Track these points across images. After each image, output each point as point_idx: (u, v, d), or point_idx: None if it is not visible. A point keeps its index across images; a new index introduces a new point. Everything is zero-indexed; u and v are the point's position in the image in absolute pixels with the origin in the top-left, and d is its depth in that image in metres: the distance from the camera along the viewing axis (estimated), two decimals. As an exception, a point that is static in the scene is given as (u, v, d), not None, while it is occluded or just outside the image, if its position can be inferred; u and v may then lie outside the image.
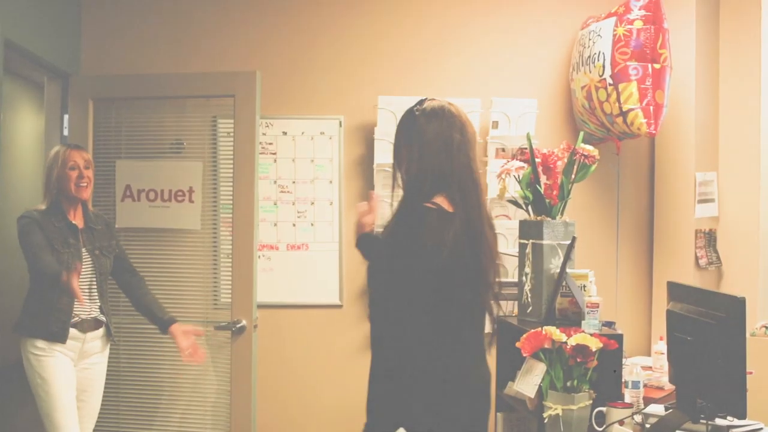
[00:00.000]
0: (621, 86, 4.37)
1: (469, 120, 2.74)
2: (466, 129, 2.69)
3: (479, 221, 2.65)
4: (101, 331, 4.00)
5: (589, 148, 3.94)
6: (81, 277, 3.87)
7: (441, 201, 2.61)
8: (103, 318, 3.99)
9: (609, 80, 4.42)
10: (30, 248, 3.76)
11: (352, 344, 4.94)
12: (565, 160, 3.97)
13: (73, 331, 3.85)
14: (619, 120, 4.41)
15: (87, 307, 3.92)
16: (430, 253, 2.53)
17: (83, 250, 3.92)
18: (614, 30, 4.43)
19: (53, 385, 3.77)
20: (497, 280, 2.74)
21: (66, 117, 4.68)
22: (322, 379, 4.92)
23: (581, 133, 4.17)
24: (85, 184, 3.96)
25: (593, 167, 3.96)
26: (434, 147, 2.63)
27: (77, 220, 3.98)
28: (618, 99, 4.38)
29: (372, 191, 2.91)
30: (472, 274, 2.63)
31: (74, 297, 3.62)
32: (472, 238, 2.61)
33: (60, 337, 3.79)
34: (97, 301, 3.97)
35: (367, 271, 2.78)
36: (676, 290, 3.34)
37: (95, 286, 3.96)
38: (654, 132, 4.35)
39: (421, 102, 2.73)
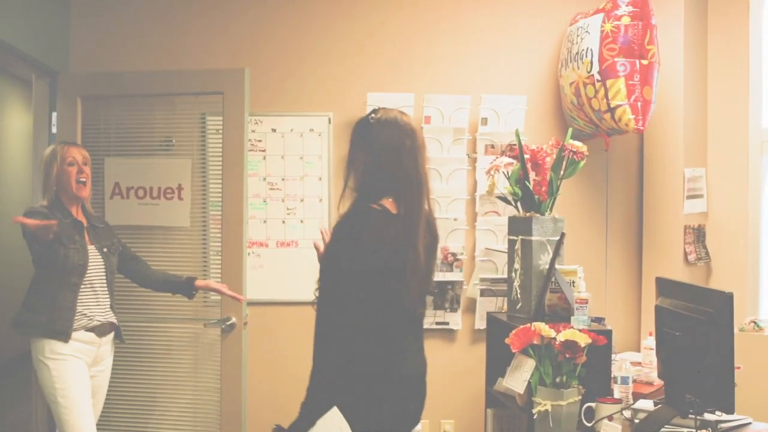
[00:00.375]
0: (609, 82, 4.37)
1: (419, 129, 2.91)
2: (416, 136, 2.85)
3: (417, 224, 2.80)
4: (113, 333, 3.96)
5: (578, 144, 3.95)
6: (95, 276, 3.82)
7: (387, 203, 2.79)
8: (114, 320, 3.94)
9: (597, 76, 4.42)
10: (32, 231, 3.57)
11: (342, 341, 4.94)
12: (554, 156, 3.99)
13: (90, 335, 3.77)
14: (607, 116, 4.41)
15: (103, 309, 3.86)
16: (371, 252, 2.70)
17: (92, 247, 3.87)
18: (602, 26, 4.43)
19: (72, 390, 3.67)
20: (429, 279, 2.94)
21: (54, 115, 4.67)
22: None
23: (570, 130, 4.18)
24: (84, 181, 3.90)
25: (582, 163, 3.98)
26: (386, 153, 2.80)
27: (80, 218, 3.91)
28: (606, 95, 4.37)
29: (323, 229, 3.09)
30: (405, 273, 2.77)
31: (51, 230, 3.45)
32: (408, 239, 2.76)
33: (63, 336, 3.68)
34: (109, 300, 3.91)
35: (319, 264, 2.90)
36: (664, 286, 3.35)
37: (106, 286, 3.90)
38: (642, 128, 4.36)
39: (375, 111, 2.90)
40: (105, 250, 3.92)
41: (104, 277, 3.88)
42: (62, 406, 3.65)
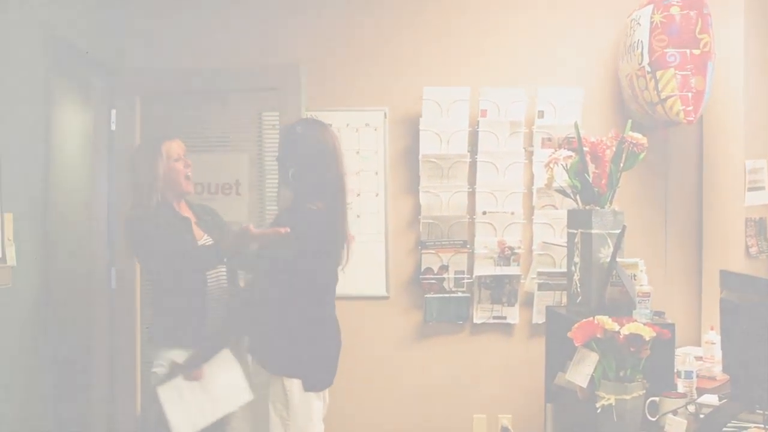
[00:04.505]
0: (659, 74, 4.31)
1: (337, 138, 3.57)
2: (337, 144, 3.53)
3: (343, 220, 3.48)
4: None
5: (638, 136, 3.90)
6: (214, 277, 3.64)
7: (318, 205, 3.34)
8: None
9: (647, 68, 4.37)
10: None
11: (399, 335, 4.95)
12: (614, 148, 3.95)
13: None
14: (659, 108, 4.36)
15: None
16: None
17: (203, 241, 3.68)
18: (651, 17, 4.38)
19: None
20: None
21: (113, 112, 4.72)
22: (369, 370, 4.93)
23: (629, 122, 4.13)
24: (191, 175, 3.75)
25: (642, 155, 3.93)
26: (314, 159, 3.42)
27: (186, 213, 3.73)
28: (656, 87, 4.33)
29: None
30: (333, 260, 3.51)
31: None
32: (335, 232, 3.43)
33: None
34: None
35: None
36: (729, 279, 3.31)
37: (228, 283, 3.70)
38: (692, 119, 4.30)
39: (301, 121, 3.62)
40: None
41: (225, 276, 3.70)
42: None
